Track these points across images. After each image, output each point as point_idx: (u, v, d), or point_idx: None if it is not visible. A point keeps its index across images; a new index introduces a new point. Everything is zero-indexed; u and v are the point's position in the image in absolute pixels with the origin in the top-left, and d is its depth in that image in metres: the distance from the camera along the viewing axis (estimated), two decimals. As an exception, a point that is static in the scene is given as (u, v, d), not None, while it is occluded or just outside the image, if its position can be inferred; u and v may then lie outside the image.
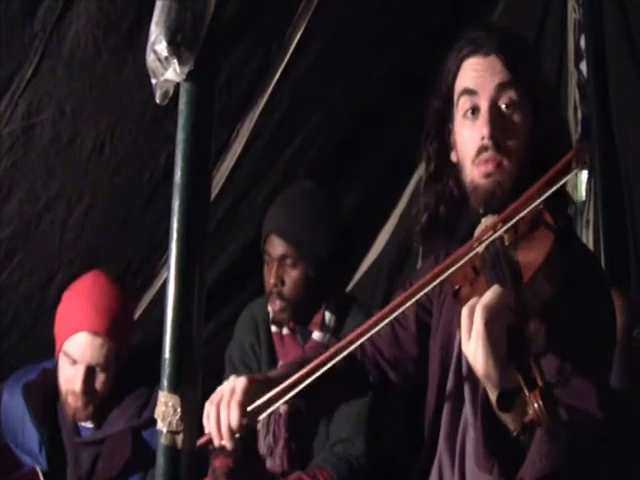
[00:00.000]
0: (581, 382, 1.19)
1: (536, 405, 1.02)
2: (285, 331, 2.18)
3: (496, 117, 1.32)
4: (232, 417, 1.28)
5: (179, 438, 1.30)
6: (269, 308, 2.18)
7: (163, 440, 1.32)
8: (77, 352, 1.88)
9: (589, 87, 2.94)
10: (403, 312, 1.52)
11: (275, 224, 2.11)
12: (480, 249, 1.24)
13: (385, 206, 3.38)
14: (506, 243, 1.24)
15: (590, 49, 2.91)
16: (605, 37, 2.89)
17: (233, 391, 1.31)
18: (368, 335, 1.26)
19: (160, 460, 1.32)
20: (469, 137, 1.36)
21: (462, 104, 1.37)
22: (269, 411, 1.27)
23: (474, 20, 3.00)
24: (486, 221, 1.34)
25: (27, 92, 2.09)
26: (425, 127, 1.47)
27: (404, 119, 2.97)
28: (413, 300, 1.25)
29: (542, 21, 3.02)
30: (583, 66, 2.97)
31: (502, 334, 1.07)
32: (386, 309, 1.26)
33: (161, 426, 1.32)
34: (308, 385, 1.28)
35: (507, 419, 1.11)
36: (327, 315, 2.14)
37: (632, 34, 2.81)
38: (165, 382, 1.32)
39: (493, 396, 1.11)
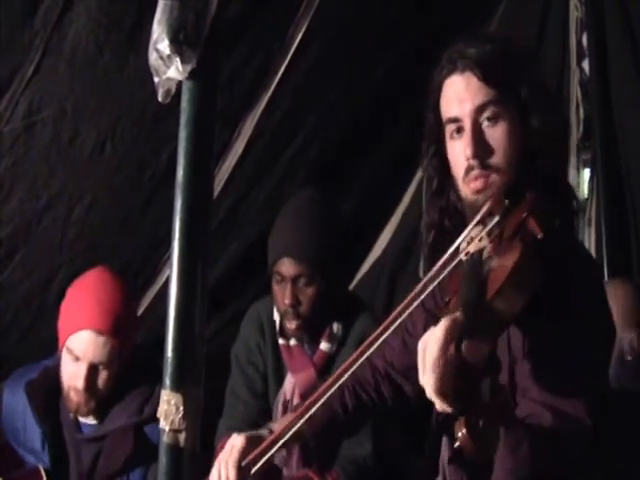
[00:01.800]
0: (569, 388, 1.19)
1: (459, 433, 1.04)
2: (292, 342, 2.14)
3: (478, 136, 1.33)
4: (230, 474, 1.39)
5: (181, 436, 1.30)
6: (275, 317, 2.16)
7: (165, 438, 1.32)
8: (80, 349, 1.88)
9: (591, 85, 2.94)
10: (412, 321, 1.53)
11: (287, 246, 2.05)
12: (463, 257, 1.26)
13: (387, 205, 3.38)
14: (485, 254, 1.24)
15: (592, 47, 2.91)
16: (607, 35, 2.89)
17: (231, 449, 1.41)
18: (358, 363, 1.29)
19: (163, 458, 1.32)
20: (458, 156, 1.38)
21: (448, 128, 1.40)
22: (263, 461, 1.37)
23: (475, 20, 3.01)
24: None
25: (28, 91, 2.09)
26: (424, 143, 1.48)
27: (404, 119, 2.97)
28: (405, 314, 1.26)
29: (544, 19, 3.02)
30: (585, 64, 2.98)
31: (448, 366, 1.08)
32: (374, 335, 1.27)
33: (164, 424, 1.32)
34: (310, 429, 1.39)
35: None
36: (334, 325, 2.12)
37: (634, 32, 2.81)
38: (168, 381, 1.32)
39: None
